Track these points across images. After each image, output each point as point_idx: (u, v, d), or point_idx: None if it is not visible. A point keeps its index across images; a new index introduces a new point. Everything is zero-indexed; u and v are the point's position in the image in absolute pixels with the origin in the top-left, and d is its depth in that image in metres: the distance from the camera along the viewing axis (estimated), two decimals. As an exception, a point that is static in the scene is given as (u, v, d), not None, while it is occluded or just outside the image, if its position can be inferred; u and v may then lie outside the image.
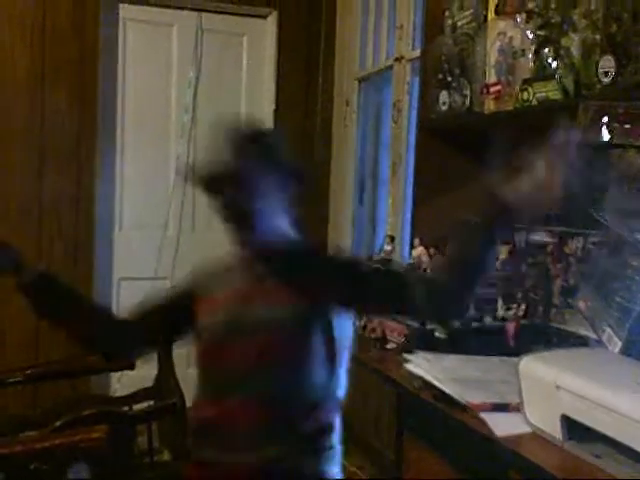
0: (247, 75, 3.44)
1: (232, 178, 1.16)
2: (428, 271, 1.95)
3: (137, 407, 1.92)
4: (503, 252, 1.95)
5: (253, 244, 1.20)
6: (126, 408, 1.88)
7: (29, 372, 1.81)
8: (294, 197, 1.23)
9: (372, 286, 1.16)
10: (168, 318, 1.27)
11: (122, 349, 1.32)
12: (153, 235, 3.26)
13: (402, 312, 1.33)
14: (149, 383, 2.01)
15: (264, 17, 3.42)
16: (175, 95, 3.31)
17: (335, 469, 1.20)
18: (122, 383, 2.91)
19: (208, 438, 1.16)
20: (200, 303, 1.22)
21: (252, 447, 1.12)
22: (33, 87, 2.95)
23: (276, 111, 3.41)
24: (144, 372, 1.99)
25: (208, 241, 3.43)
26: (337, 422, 1.20)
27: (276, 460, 1.12)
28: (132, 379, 2.19)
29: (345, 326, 1.21)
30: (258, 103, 3.45)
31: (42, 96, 2.97)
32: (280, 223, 1.21)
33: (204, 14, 3.29)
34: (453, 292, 1.13)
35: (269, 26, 3.42)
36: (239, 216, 1.18)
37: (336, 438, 1.20)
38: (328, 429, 1.17)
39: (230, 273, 1.23)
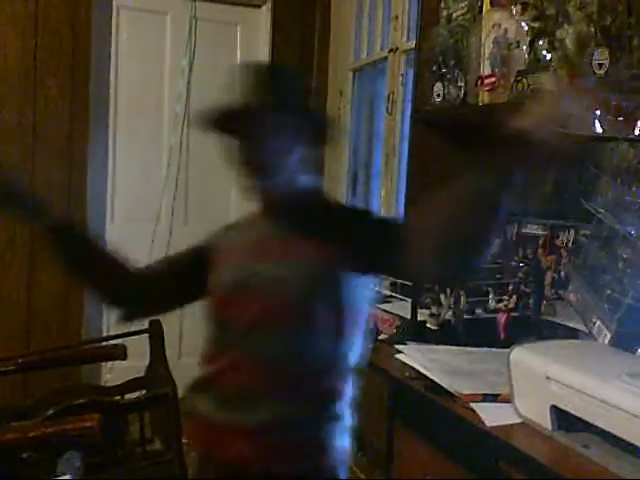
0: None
1: (254, 118, 1.04)
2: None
3: (129, 397, 1.92)
4: (494, 244, 1.96)
5: (269, 194, 1.12)
6: (118, 398, 1.88)
7: (21, 361, 1.80)
8: (313, 143, 1.12)
9: (379, 239, 1.06)
10: (187, 272, 1.23)
11: (141, 302, 1.27)
12: (145, 227, 3.25)
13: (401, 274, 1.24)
14: (140, 373, 2.01)
15: (258, 6, 3.41)
16: (168, 84, 3.30)
17: (341, 441, 1.11)
18: (113, 373, 2.91)
19: (206, 392, 1.11)
20: (215, 256, 1.18)
21: (247, 408, 1.06)
22: (25, 76, 2.92)
23: (270, 101, 3.40)
24: (135, 362, 1.99)
25: (200, 233, 3.43)
26: (346, 390, 1.12)
27: (270, 424, 1.05)
28: (123, 369, 2.19)
29: (363, 290, 1.13)
30: (252, 93, 3.44)
31: (34, 85, 2.94)
32: (298, 171, 1.11)
33: (198, 3, 3.27)
34: (464, 249, 0.94)
35: (263, 15, 3.41)
36: (258, 162, 1.07)
37: (344, 407, 1.12)
38: (333, 397, 1.10)
39: (246, 226, 1.19)
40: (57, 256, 1.18)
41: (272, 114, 1.06)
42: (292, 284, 1.06)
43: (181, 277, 1.23)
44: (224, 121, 1.08)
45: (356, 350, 1.14)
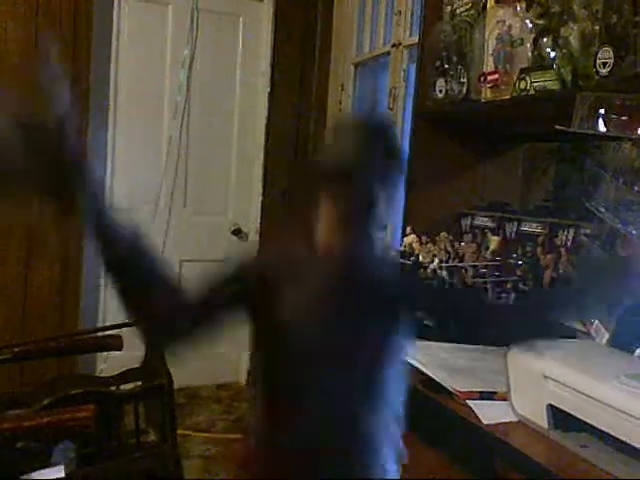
0: (242, 57, 3.41)
1: (368, 174, 1.04)
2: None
3: (124, 387, 1.92)
4: (493, 242, 1.96)
5: (360, 246, 1.10)
6: (113, 388, 1.88)
7: (16, 350, 1.79)
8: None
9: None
10: (234, 302, 1.12)
11: (188, 334, 1.10)
12: (143, 217, 3.24)
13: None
14: (136, 364, 2.00)
15: (261, -1, 3.40)
16: (169, 75, 3.28)
17: None
18: (109, 363, 2.91)
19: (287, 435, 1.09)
20: (275, 291, 1.09)
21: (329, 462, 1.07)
22: (24, 64, 2.90)
23: (271, 94, 3.39)
24: (131, 353, 1.99)
25: (198, 224, 3.44)
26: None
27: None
28: (118, 360, 2.19)
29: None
30: (253, 86, 3.43)
31: (34, 74, 2.92)
32: (380, 228, 1.13)
33: (200, -7, 3.25)
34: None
35: (265, 8, 3.39)
36: (374, 215, 1.06)
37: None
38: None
39: (316, 266, 1.11)
40: (124, 284, 1.01)
41: (398, 171, 1.08)
42: (386, 339, 1.09)
43: (231, 308, 1.12)
44: (340, 176, 1.06)
45: None
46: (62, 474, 1.53)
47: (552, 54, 1.58)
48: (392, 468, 1.13)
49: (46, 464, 1.54)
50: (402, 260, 1.95)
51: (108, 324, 2.18)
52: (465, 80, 1.91)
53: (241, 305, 1.12)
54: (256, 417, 1.15)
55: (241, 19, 3.39)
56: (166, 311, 1.06)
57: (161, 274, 1.05)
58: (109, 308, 3.09)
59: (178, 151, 3.30)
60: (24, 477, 1.52)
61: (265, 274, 1.10)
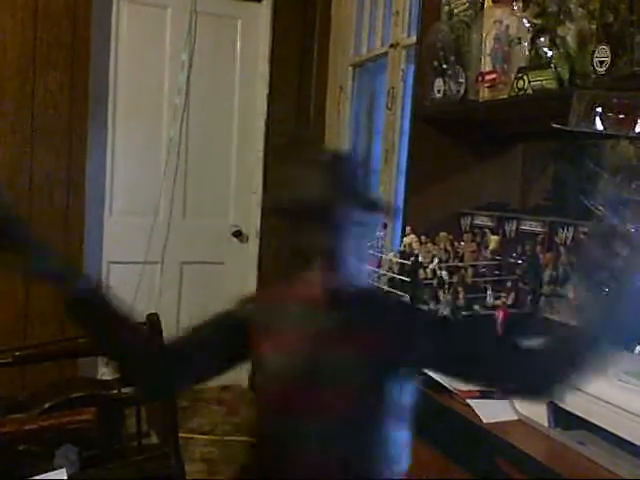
0: (241, 59, 3.42)
1: (322, 209, 1.02)
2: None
3: (125, 390, 1.92)
4: (493, 241, 1.96)
5: (331, 284, 1.08)
6: (114, 391, 1.88)
7: (18, 353, 1.79)
8: (370, 232, 1.13)
9: (459, 350, 1.08)
10: (220, 350, 1.14)
11: (168, 383, 1.15)
12: (144, 220, 3.25)
13: (487, 383, 1.17)
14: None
15: (259, 1, 3.40)
16: (168, 78, 3.29)
17: None
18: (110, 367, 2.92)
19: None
20: (260, 336, 1.10)
21: None
22: (24, 68, 2.91)
23: (269, 96, 3.39)
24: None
25: (198, 226, 3.45)
26: None
27: None
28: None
29: (408, 390, 1.12)
30: (251, 87, 3.43)
31: (33, 77, 2.93)
32: (357, 262, 1.10)
33: (199, -4, 3.26)
34: (552, 373, 1.04)
35: (264, 10, 3.40)
36: (323, 253, 1.04)
37: None
38: None
39: (299, 310, 1.10)
40: (85, 328, 1.10)
41: (350, 208, 1.05)
42: (369, 380, 1.06)
43: (213, 352, 1.14)
44: (299, 210, 1.05)
45: (406, 455, 1.13)
46: (64, 477, 1.53)
47: (549, 53, 1.58)
48: None
49: (48, 468, 1.54)
50: (402, 261, 1.95)
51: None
52: (463, 80, 1.91)
53: (226, 352, 1.14)
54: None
55: (239, 21, 3.40)
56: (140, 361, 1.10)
57: (125, 315, 1.09)
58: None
59: (178, 153, 3.31)
60: (26, 481, 1.53)
61: (249, 320, 1.12)
